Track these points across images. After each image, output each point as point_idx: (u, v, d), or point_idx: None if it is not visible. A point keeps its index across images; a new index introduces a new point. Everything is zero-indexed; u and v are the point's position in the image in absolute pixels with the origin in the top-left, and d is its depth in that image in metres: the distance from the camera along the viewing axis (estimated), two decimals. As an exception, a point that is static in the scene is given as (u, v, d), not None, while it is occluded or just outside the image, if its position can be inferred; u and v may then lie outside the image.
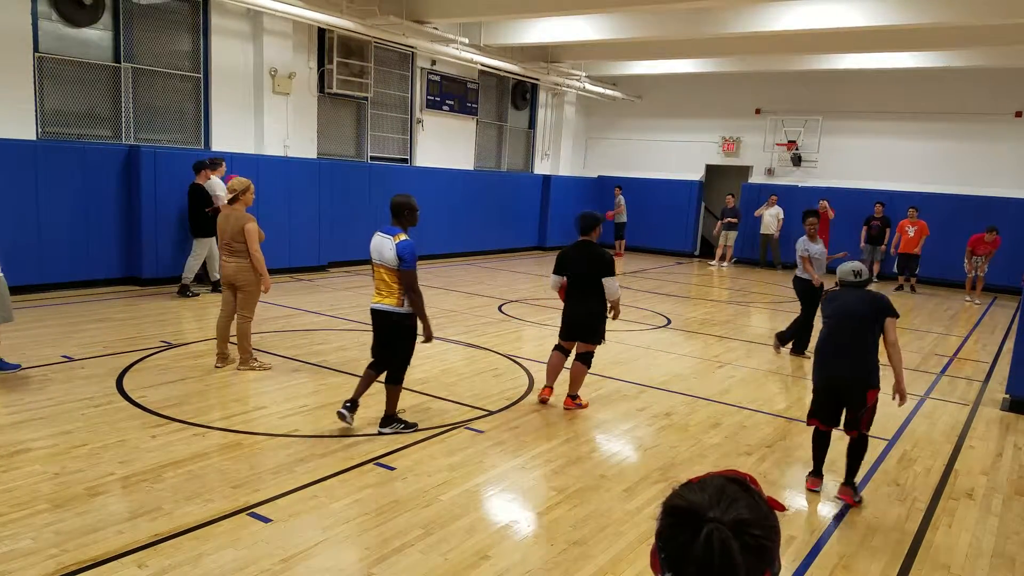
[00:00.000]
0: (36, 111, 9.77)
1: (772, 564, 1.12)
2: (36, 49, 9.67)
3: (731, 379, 7.71)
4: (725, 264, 18.20)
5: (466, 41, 14.40)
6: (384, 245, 5.31)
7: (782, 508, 1.18)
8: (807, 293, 8.79)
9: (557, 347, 6.49)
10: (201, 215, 10.13)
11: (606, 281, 6.13)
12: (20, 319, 8.40)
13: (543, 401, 6.48)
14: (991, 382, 8.20)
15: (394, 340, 5.49)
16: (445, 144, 16.42)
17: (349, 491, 4.46)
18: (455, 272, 14.37)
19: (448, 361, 7.84)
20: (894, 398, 4.92)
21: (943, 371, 8.63)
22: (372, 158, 14.86)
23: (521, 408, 6.35)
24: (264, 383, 6.61)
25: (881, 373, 4.84)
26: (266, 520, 4.07)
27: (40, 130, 9.88)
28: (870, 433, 6.11)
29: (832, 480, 5.08)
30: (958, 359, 9.31)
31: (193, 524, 3.98)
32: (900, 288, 15.49)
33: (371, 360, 5.71)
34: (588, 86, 18.56)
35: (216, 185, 10.29)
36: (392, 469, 4.87)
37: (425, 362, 7.77)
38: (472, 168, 17.37)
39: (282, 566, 3.61)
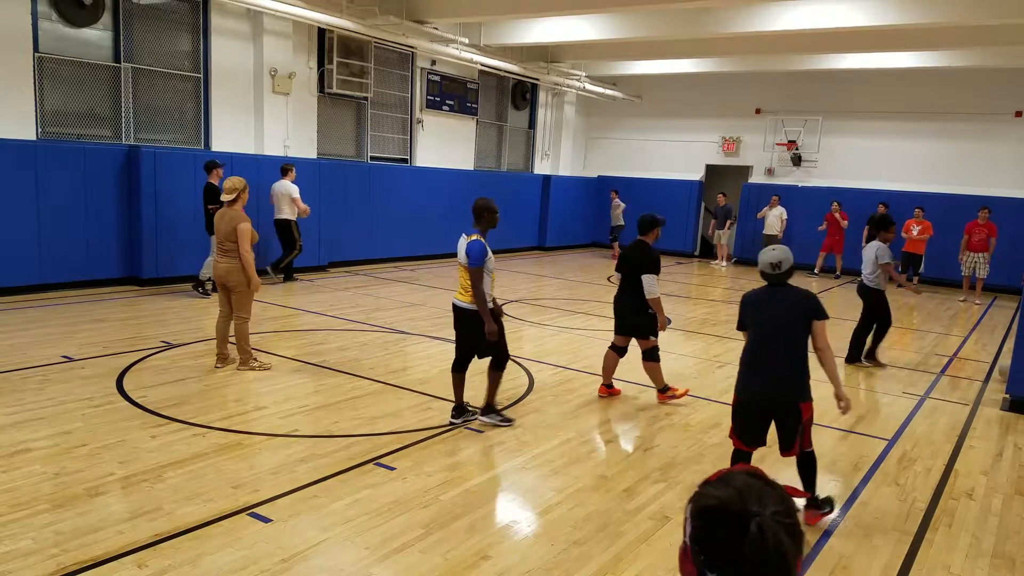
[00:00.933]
0: (36, 111, 9.77)
1: (801, 553, 1.17)
2: (36, 49, 9.67)
3: (731, 379, 7.63)
4: (723, 263, 18.21)
5: (466, 41, 14.40)
6: (461, 245, 5.74)
7: (802, 495, 1.21)
8: (881, 303, 8.53)
9: (612, 345, 6.74)
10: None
11: (644, 278, 6.28)
12: (20, 319, 8.41)
13: (602, 397, 6.78)
14: (991, 382, 8.20)
15: (473, 333, 5.72)
16: (445, 144, 16.42)
17: (349, 491, 4.46)
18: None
19: (448, 361, 7.81)
20: (840, 407, 4.42)
21: (943, 371, 8.62)
22: (372, 158, 14.86)
23: (521, 408, 6.35)
24: (264, 383, 6.61)
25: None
26: (266, 520, 4.07)
27: (40, 130, 9.88)
28: (869, 433, 6.11)
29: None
30: (958, 359, 9.31)
31: (193, 524, 3.98)
32: (901, 286, 15.51)
33: (453, 360, 5.93)
34: (588, 86, 18.55)
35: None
36: (392, 469, 4.87)
37: (425, 362, 7.78)
38: (472, 168, 17.37)
39: (282, 566, 3.61)
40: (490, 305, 5.64)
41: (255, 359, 7.03)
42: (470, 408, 5.94)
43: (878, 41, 13.34)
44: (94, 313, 8.95)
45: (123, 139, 10.84)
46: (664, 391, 6.70)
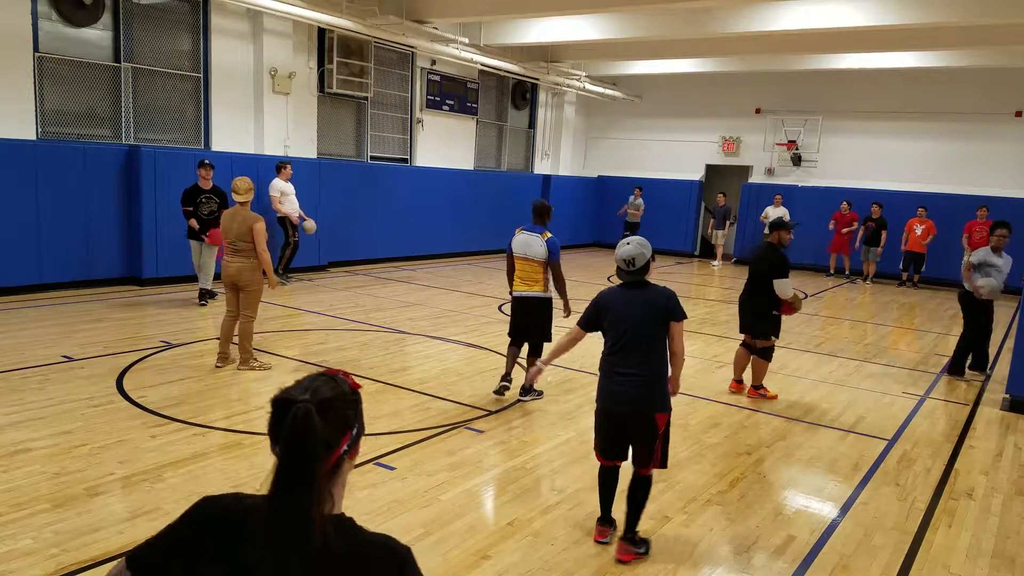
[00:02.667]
0: (36, 111, 9.77)
1: (353, 427, 1.47)
2: (36, 49, 9.67)
3: (731, 379, 7.70)
4: (718, 263, 18.22)
5: (466, 41, 14.40)
6: (533, 242, 6.30)
7: (358, 387, 1.55)
8: (971, 306, 8.38)
9: (742, 343, 7.21)
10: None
11: (776, 283, 6.65)
12: (20, 319, 8.42)
13: (733, 391, 7.20)
14: (991, 382, 8.20)
15: (540, 321, 6.41)
16: (445, 144, 16.42)
17: (349, 491, 4.43)
18: (455, 272, 14.36)
19: (448, 361, 7.84)
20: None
21: (943, 371, 8.62)
22: (372, 158, 14.86)
23: (521, 408, 6.35)
24: (264, 383, 6.61)
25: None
26: (266, 520, 4.06)
27: (40, 130, 9.88)
28: (869, 433, 6.11)
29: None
30: (958, 359, 9.30)
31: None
32: (903, 284, 15.60)
33: (510, 340, 6.60)
34: (588, 86, 18.55)
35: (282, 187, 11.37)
36: (392, 469, 4.87)
37: (425, 362, 7.78)
38: (472, 168, 17.37)
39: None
40: (550, 293, 6.44)
41: (255, 359, 7.02)
42: (535, 389, 6.59)
43: (878, 41, 13.34)
44: (94, 313, 8.95)
45: (123, 139, 10.84)
46: (758, 388, 7.10)
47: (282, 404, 1.40)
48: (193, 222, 9.51)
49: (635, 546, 3.95)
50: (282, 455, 1.37)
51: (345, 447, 1.44)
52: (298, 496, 1.35)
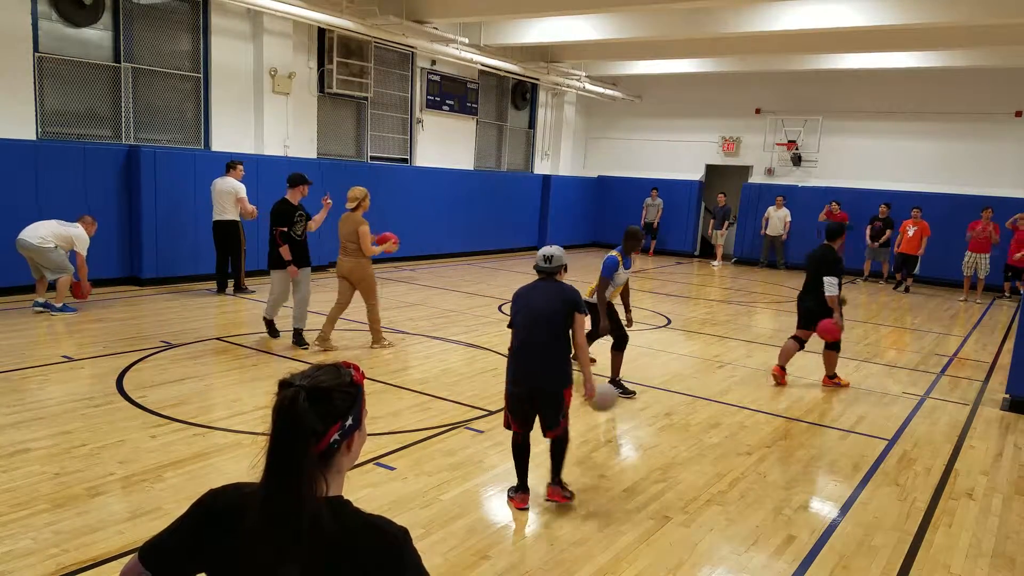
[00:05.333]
0: (36, 111, 9.77)
1: (345, 418, 1.47)
2: (36, 49, 9.67)
3: (731, 379, 7.71)
4: (718, 263, 18.24)
5: (466, 41, 14.40)
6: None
7: (361, 381, 1.54)
8: None
9: (793, 336, 7.66)
10: (285, 239, 7.86)
11: (825, 279, 7.14)
12: (20, 319, 8.42)
13: (776, 380, 7.58)
14: (991, 382, 8.20)
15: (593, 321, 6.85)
16: (445, 144, 16.42)
17: (349, 491, 4.40)
18: (455, 272, 14.36)
19: (448, 361, 7.84)
20: (587, 396, 4.65)
21: (943, 371, 8.62)
22: (372, 158, 14.86)
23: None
24: (265, 382, 6.61)
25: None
26: (266, 520, 4.06)
27: (40, 130, 9.88)
28: (869, 433, 6.11)
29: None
30: (958, 359, 9.31)
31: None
32: (897, 287, 15.55)
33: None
34: (588, 86, 18.55)
35: (238, 187, 10.49)
36: (392, 469, 4.87)
37: (425, 362, 7.78)
38: (472, 168, 17.37)
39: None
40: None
41: (384, 338, 8.11)
42: (623, 386, 6.92)
43: (878, 41, 13.34)
44: (94, 313, 8.95)
45: (123, 139, 10.84)
46: (832, 377, 7.63)
47: (281, 387, 1.46)
48: (286, 249, 7.73)
49: (563, 489, 4.57)
50: (270, 439, 1.43)
51: (335, 436, 1.45)
52: (285, 477, 1.39)
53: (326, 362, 1.55)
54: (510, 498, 4.55)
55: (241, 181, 10.52)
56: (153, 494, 4.31)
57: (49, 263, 8.70)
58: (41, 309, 8.76)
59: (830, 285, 7.13)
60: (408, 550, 1.46)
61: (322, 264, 13.29)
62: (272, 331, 8.11)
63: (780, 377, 7.57)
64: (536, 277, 4.66)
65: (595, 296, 6.91)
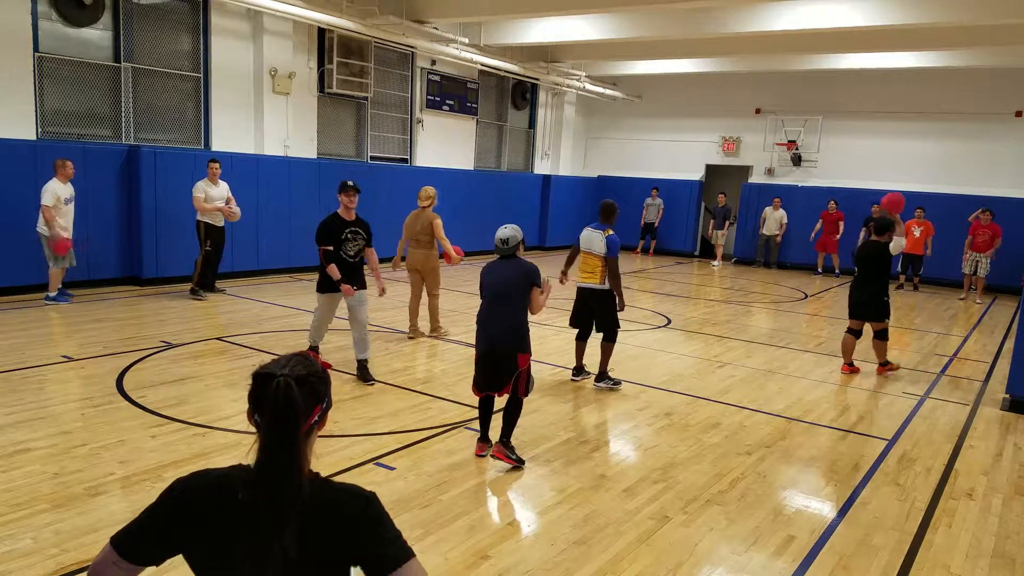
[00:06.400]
0: (36, 111, 9.77)
1: (323, 401, 1.67)
2: (36, 49, 9.67)
3: (731, 379, 7.71)
4: (718, 263, 18.25)
5: (466, 41, 14.40)
6: (595, 237, 6.87)
7: (328, 366, 1.77)
8: None
9: (848, 330, 8.15)
10: (329, 258, 6.89)
11: (892, 245, 7.74)
12: (20, 319, 8.42)
13: (850, 372, 8.11)
14: (991, 382, 8.20)
15: (600, 312, 6.98)
16: (445, 144, 16.42)
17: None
18: (455, 272, 14.36)
19: (448, 361, 7.84)
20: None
21: (943, 371, 8.62)
22: (372, 158, 14.86)
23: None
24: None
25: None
26: (266, 520, 4.06)
27: (40, 130, 9.88)
28: (869, 433, 6.12)
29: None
30: (958, 359, 9.31)
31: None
32: (902, 287, 15.56)
33: (576, 332, 7.28)
34: (588, 86, 18.56)
35: (214, 191, 10.14)
36: (392, 469, 4.87)
37: (425, 362, 7.78)
38: (472, 168, 17.37)
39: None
40: (607, 286, 6.94)
41: (442, 327, 8.71)
42: (588, 371, 7.26)
43: (878, 41, 13.34)
44: (94, 313, 8.95)
45: (123, 139, 10.84)
46: (884, 365, 8.14)
47: (263, 378, 1.61)
48: (334, 269, 6.81)
49: (509, 451, 5.04)
50: (268, 422, 1.57)
51: (316, 417, 1.65)
52: (282, 454, 1.56)
53: (289, 353, 1.74)
54: (477, 444, 5.23)
55: (221, 179, 10.32)
56: (153, 494, 4.26)
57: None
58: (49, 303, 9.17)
59: (898, 244, 7.75)
60: (379, 506, 1.68)
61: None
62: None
63: (849, 371, 8.13)
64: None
65: (607, 282, 6.89)
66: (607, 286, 6.89)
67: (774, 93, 18.36)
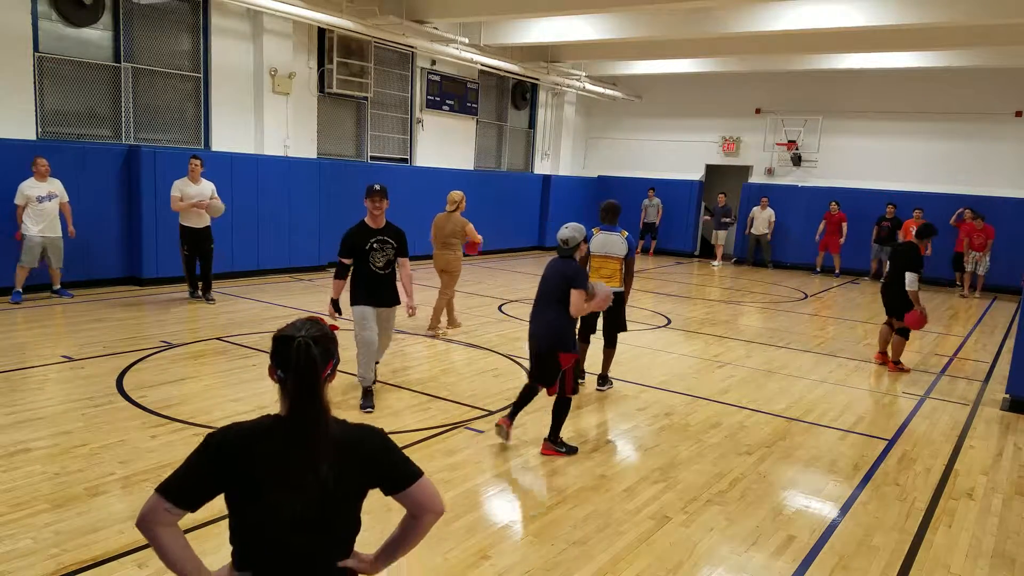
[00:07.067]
0: (36, 111, 9.77)
1: (334, 357, 2.01)
2: (36, 49, 9.67)
3: (731, 379, 7.71)
4: (718, 263, 18.26)
5: (466, 41, 14.40)
6: (614, 239, 6.73)
7: (336, 328, 2.09)
8: None
9: (886, 322, 8.54)
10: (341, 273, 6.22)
11: (907, 274, 7.97)
12: (20, 319, 8.42)
13: (878, 362, 8.61)
14: (991, 382, 8.20)
15: (614, 313, 6.73)
16: (445, 144, 16.42)
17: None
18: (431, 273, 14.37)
19: (448, 361, 7.84)
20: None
21: (943, 371, 8.62)
22: (372, 158, 14.86)
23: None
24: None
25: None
26: (266, 520, 4.06)
27: (40, 130, 9.88)
28: (869, 433, 6.12)
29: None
30: (958, 359, 9.31)
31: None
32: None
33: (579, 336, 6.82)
34: (588, 86, 18.55)
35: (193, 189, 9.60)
36: (392, 469, 4.86)
37: (425, 362, 7.78)
38: (472, 168, 17.37)
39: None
40: (622, 288, 6.83)
41: (455, 322, 9.18)
42: (586, 372, 7.11)
43: (878, 41, 13.34)
44: (94, 313, 8.95)
45: (123, 139, 10.84)
46: (897, 363, 8.38)
47: (285, 340, 1.94)
48: (336, 285, 6.20)
49: (557, 446, 5.26)
50: (295, 376, 1.90)
51: (329, 370, 1.99)
52: (310, 400, 1.91)
53: (303, 317, 2.05)
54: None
55: (207, 179, 9.86)
56: (153, 494, 4.30)
57: None
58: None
59: (911, 281, 7.91)
60: (389, 439, 2.10)
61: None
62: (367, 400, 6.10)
63: (882, 360, 8.55)
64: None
65: (623, 285, 6.78)
66: (622, 288, 6.80)
67: (774, 93, 18.35)
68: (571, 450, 5.31)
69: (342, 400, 6.14)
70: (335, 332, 2.04)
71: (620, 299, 6.76)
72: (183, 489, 1.92)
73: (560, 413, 5.26)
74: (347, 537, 2.06)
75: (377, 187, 6.20)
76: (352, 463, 1.97)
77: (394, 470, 2.08)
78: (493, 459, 5.19)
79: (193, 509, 1.95)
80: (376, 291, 6.09)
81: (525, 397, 5.39)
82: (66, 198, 9.40)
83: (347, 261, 6.07)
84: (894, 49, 13.81)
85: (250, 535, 1.98)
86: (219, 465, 1.92)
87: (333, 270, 13.07)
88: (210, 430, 1.93)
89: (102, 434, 5.18)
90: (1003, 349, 9.89)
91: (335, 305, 6.25)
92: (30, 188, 9.03)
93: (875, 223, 16.24)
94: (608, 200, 7.01)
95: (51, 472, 4.53)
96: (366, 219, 6.19)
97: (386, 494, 2.08)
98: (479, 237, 9.08)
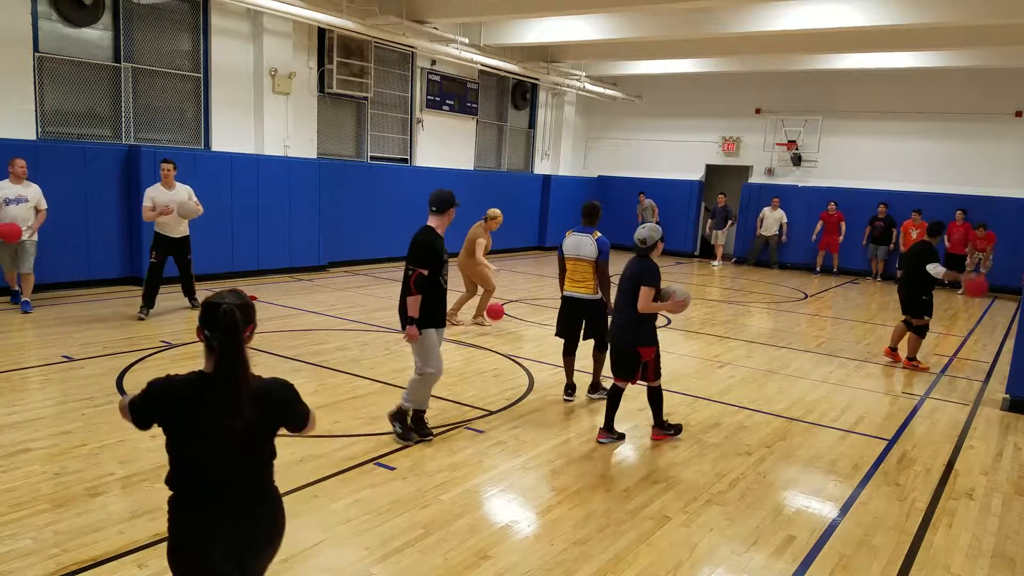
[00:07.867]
0: (36, 111, 9.77)
1: (252, 321, 2.40)
2: (36, 49, 9.67)
3: (731, 379, 7.71)
4: (718, 263, 18.26)
5: (466, 41, 14.40)
6: (584, 242, 6.39)
7: (255, 298, 2.49)
8: None
9: (903, 320, 8.63)
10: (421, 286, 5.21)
11: (928, 267, 8.17)
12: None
13: (886, 356, 8.83)
14: (991, 382, 8.20)
15: (590, 320, 6.53)
16: (445, 144, 16.41)
17: (349, 491, 4.46)
18: (455, 272, 14.35)
19: (448, 361, 7.82)
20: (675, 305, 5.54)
21: (943, 371, 8.62)
22: (372, 158, 14.86)
23: (521, 408, 6.34)
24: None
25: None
26: (266, 520, 4.06)
27: (40, 130, 9.88)
28: (869, 433, 6.13)
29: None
30: (958, 359, 9.31)
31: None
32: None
33: (563, 344, 6.73)
34: (588, 86, 18.55)
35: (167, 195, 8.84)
36: (392, 469, 4.87)
37: (425, 362, 7.76)
38: (472, 168, 17.37)
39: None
40: (599, 295, 6.58)
41: (457, 318, 9.53)
42: (603, 387, 6.73)
43: (878, 41, 13.34)
44: (94, 313, 8.95)
45: (123, 139, 10.84)
46: (912, 360, 8.55)
47: (213, 306, 2.30)
48: (415, 303, 5.15)
49: (664, 430, 5.69)
50: (222, 337, 2.27)
51: (248, 333, 2.36)
52: (235, 357, 2.28)
53: (228, 288, 2.44)
54: (600, 431, 5.66)
55: (182, 183, 9.18)
56: (153, 494, 4.30)
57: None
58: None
59: (936, 269, 8.13)
60: (294, 388, 2.54)
61: (321, 264, 13.31)
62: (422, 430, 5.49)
63: (891, 356, 8.72)
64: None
65: (599, 291, 6.40)
66: (599, 295, 6.42)
67: (774, 93, 18.35)
68: (678, 429, 5.77)
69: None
70: (254, 301, 2.45)
71: (597, 305, 6.41)
72: (135, 414, 2.40)
73: (656, 401, 5.63)
74: (268, 462, 2.52)
75: (454, 195, 5.48)
76: (267, 406, 2.41)
77: (295, 413, 2.56)
78: (493, 459, 5.19)
79: (143, 429, 2.44)
80: (444, 309, 5.39)
81: (614, 400, 5.59)
82: (44, 205, 8.73)
83: (425, 272, 5.13)
84: (894, 49, 13.82)
85: (185, 463, 2.37)
86: (154, 408, 2.37)
87: (337, 271, 12.90)
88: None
89: (102, 434, 5.17)
90: (1003, 349, 9.89)
91: (417, 325, 5.18)
92: (1, 189, 8.44)
93: (868, 222, 16.27)
94: (589, 200, 6.73)
95: (51, 472, 4.53)
96: (437, 227, 5.31)
97: (289, 432, 2.61)
98: (491, 284, 9.62)
